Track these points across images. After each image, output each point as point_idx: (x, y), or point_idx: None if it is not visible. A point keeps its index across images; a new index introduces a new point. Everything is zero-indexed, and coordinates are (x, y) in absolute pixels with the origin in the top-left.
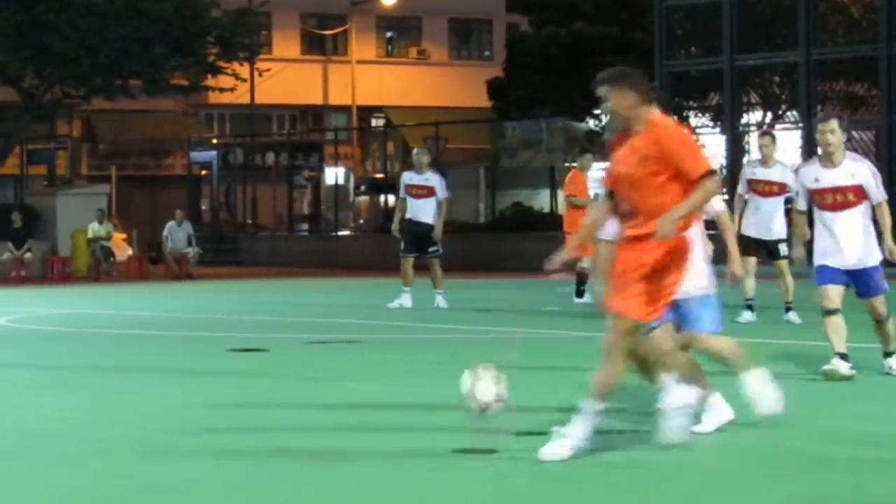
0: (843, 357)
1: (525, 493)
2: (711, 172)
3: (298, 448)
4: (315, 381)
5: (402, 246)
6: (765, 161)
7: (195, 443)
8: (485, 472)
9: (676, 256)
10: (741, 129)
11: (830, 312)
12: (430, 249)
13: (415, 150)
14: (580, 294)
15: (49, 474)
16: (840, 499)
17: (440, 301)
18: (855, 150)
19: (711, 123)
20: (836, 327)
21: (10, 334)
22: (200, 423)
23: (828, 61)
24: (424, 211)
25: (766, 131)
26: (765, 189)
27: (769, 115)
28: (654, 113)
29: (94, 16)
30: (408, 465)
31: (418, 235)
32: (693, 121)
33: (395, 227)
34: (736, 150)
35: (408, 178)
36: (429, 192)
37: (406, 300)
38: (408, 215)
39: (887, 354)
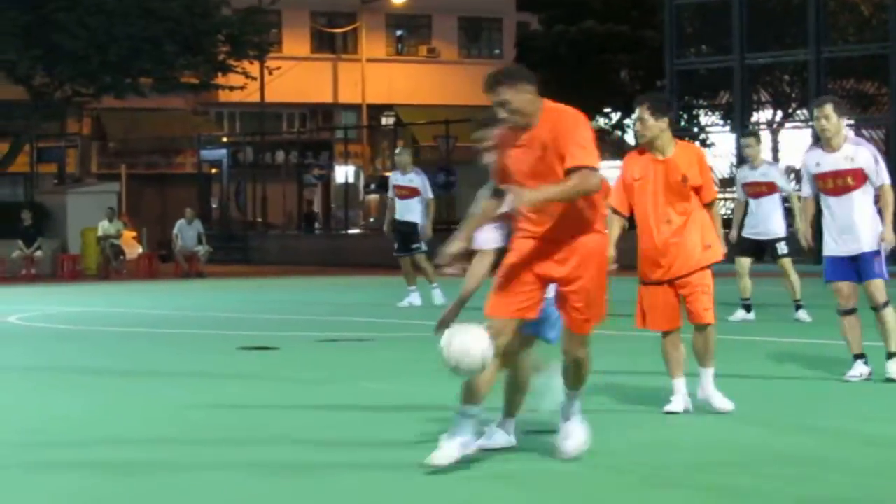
0: (860, 357)
1: (529, 492)
2: (595, 169)
3: (303, 451)
4: (325, 381)
5: (395, 247)
6: (751, 162)
7: (203, 444)
8: (489, 473)
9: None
10: (751, 127)
11: (847, 312)
12: (413, 246)
13: (397, 150)
14: None
15: (54, 473)
16: (845, 500)
17: (437, 296)
18: None
19: (721, 122)
20: (853, 328)
21: (19, 332)
22: (208, 424)
23: (838, 60)
24: (410, 210)
25: (750, 131)
26: (755, 190)
27: (779, 113)
28: (547, 101)
29: (103, 14)
30: (413, 471)
31: (404, 234)
32: (703, 119)
33: (386, 227)
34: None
35: (393, 178)
36: (411, 192)
37: (415, 298)
38: (396, 216)
39: (890, 356)
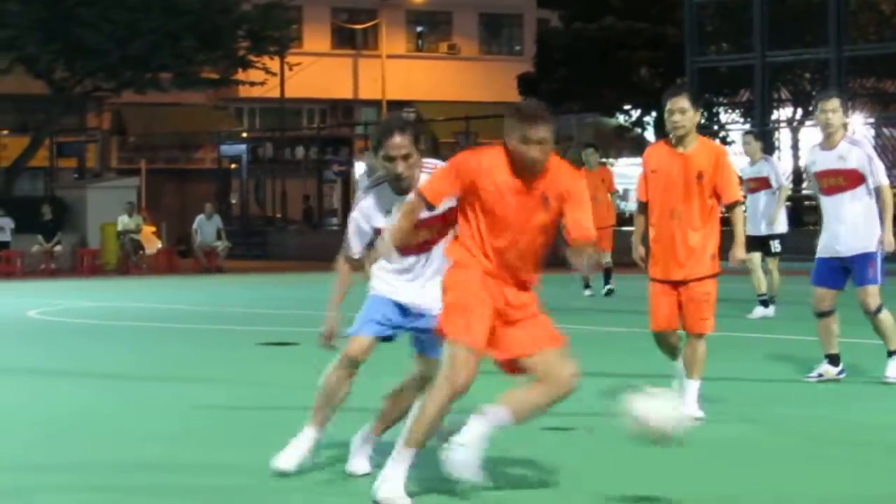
0: (832, 359)
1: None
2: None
3: (321, 453)
4: None
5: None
6: (750, 158)
7: (216, 445)
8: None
9: None
10: (771, 125)
11: (821, 315)
12: None
13: (367, 154)
14: (586, 287)
15: (63, 468)
16: (837, 500)
17: None
18: (885, 147)
19: (741, 120)
20: (827, 330)
21: (39, 327)
22: (224, 424)
23: (858, 58)
24: None
25: (749, 131)
26: (750, 186)
27: (799, 111)
28: None
29: (124, 9)
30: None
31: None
32: (723, 117)
33: None
34: (765, 146)
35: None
36: None
37: None
38: None
39: (891, 353)
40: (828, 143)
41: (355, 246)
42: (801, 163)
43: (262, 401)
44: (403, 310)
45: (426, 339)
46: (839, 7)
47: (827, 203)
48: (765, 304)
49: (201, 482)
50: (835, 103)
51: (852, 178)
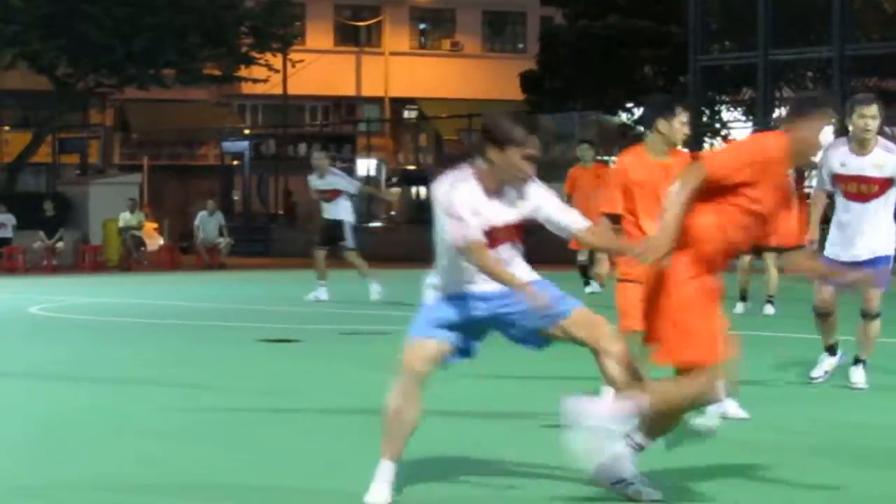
0: (831, 349)
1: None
2: None
3: (328, 453)
4: (348, 374)
5: (316, 239)
6: None
7: (214, 440)
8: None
9: None
10: (773, 123)
11: (822, 315)
12: (340, 243)
13: (314, 155)
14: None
15: (65, 465)
16: (837, 500)
17: (374, 291)
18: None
19: (744, 118)
20: (827, 327)
21: (40, 322)
22: (223, 420)
23: (861, 57)
24: (337, 209)
25: (757, 130)
26: None
27: None
28: None
29: (128, 5)
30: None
31: (330, 230)
32: (725, 115)
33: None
34: None
35: (313, 184)
36: (334, 194)
37: (321, 293)
38: (324, 215)
39: (857, 361)
40: (861, 149)
41: (475, 228)
42: None
43: (263, 398)
44: (481, 298)
45: (519, 321)
46: (843, 6)
47: (853, 208)
48: (743, 298)
49: (201, 480)
50: (875, 109)
51: (885, 186)
